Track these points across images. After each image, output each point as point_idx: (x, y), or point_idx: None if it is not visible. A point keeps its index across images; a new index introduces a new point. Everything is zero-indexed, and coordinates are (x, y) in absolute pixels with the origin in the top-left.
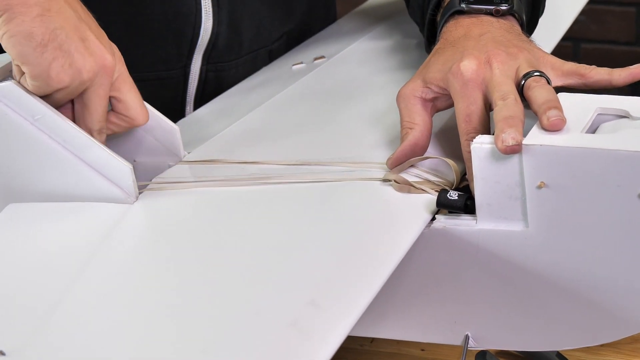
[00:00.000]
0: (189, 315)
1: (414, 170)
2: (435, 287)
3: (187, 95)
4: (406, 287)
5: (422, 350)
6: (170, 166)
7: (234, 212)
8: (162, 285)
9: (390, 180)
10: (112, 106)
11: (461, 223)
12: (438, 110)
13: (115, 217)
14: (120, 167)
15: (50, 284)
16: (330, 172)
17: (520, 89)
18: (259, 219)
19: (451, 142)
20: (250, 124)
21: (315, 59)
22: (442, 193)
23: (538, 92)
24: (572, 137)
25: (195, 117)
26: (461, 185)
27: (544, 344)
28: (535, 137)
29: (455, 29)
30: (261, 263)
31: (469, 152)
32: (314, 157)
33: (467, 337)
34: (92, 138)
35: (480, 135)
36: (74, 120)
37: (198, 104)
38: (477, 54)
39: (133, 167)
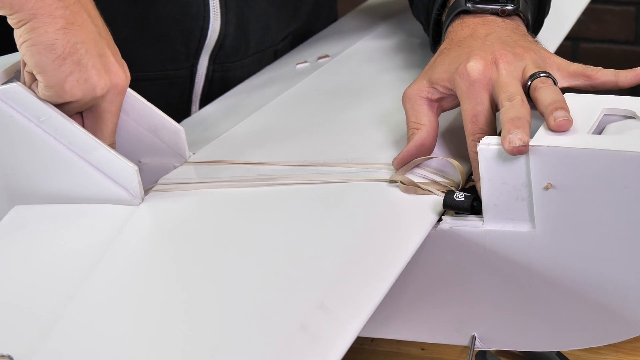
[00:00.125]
0: (197, 318)
1: (420, 172)
2: (442, 288)
3: (193, 95)
4: (413, 288)
5: (422, 349)
6: (175, 167)
7: (239, 214)
8: (169, 287)
9: (396, 181)
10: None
11: (468, 224)
12: (444, 111)
13: (121, 218)
14: (125, 169)
15: (57, 287)
16: (337, 173)
17: (527, 90)
18: (265, 221)
19: (457, 143)
20: (255, 124)
21: (319, 58)
22: (449, 194)
23: (544, 93)
24: (578, 138)
25: (200, 116)
26: (467, 186)
27: (550, 345)
28: (542, 138)
29: (461, 29)
30: (268, 265)
31: (476, 152)
32: (320, 157)
33: (473, 338)
34: (97, 139)
35: (486, 136)
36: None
37: (204, 103)
38: (484, 54)
39: (138, 168)
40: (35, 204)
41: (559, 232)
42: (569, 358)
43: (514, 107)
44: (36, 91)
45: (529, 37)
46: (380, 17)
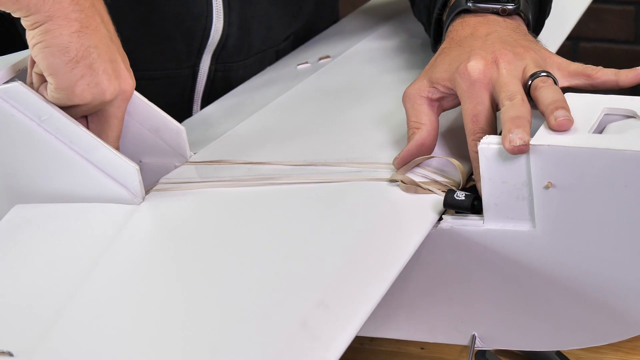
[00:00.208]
0: (197, 317)
1: (420, 171)
2: (442, 287)
3: (195, 94)
4: (413, 287)
5: (422, 348)
6: (176, 167)
7: (240, 213)
8: (169, 286)
9: (397, 181)
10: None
11: (468, 223)
12: (444, 110)
13: (121, 217)
14: (126, 168)
15: (58, 286)
16: (337, 173)
17: (527, 89)
18: (266, 220)
19: (457, 142)
20: (256, 124)
21: (320, 58)
22: (449, 193)
23: (545, 92)
24: (579, 138)
25: (201, 116)
26: (468, 186)
27: (550, 344)
28: (543, 137)
29: (462, 28)
30: (268, 264)
31: (476, 152)
32: (321, 157)
33: (473, 337)
34: (98, 139)
35: (487, 136)
36: None
37: (205, 102)
38: (484, 54)
39: (139, 168)
40: (36, 203)
41: (559, 231)
42: (568, 357)
43: (514, 106)
44: (44, 93)
45: (530, 36)
46: (381, 18)
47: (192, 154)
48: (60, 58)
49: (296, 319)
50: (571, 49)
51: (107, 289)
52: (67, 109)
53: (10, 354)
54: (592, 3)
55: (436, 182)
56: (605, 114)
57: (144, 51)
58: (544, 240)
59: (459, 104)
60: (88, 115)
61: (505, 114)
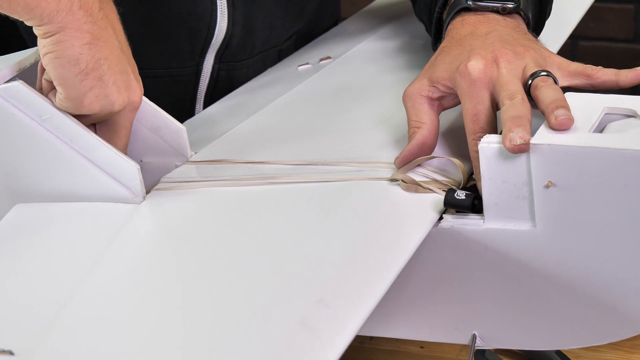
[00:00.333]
0: (197, 315)
1: (421, 170)
2: (443, 287)
3: (198, 93)
4: (413, 286)
5: (422, 347)
6: (177, 166)
7: (240, 212)
8: (169, 285)
9: (397, 180)
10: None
11: (469, 222)
12: (444, 109)
13: (122, 217)
14: (127, 167)
15: (58, 285)
16: (338, 172)
17: (527, 89)
18: (266, 219)
19: (458, 142)
20: (257, 124)
21: (321, 59)
22: (450, 193)
23: (545, 91)
24: (579, 137)
25: (203, 116)
26: (468, 185)
27: (551, 343)
28: (543, 136)
29: (462, 27)
30: (269, 262)
31: (477, 151)
32: (321, 156)
33: (474, 337)
34: (99, 138)
35: (487, 135)
36: None
37: (208, 102)
38: (484, 53)
39: (140, 167)
40: (37, 203)
41: (559, 230)
42: (568, 356)
43: (514, 105)
44: (54, 100)
45: (530, 35)
46: (383, 19)
47: (193, 153)
48: (70, 69)
49: (296, 317)
50: (570, 47)
51: (108, 288)
52: (75, 117)
53: (11, 353)
54: (592, 2)
55: (437, 181)
56: (605, 114)
57: (148, 50)
58: (544, 240)
59: (459, 103)
60: (96, 123)
61: (506, 113)
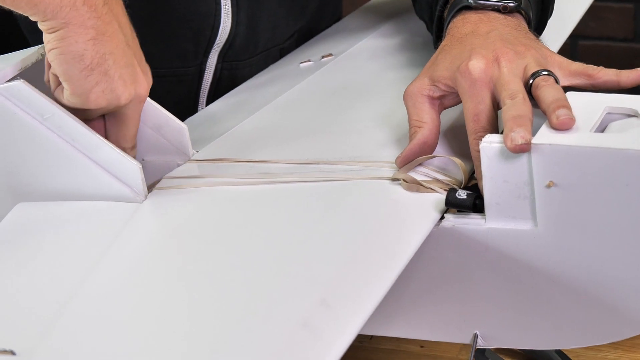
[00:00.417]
0: (199, 315)
1: (422, 169)
2: (444, 286)
3: (201, 93)
4: (415, 285)
5: (422, 346)
6: (179, 165)
7: (242, 211)
8: (171, 284)
9: (399, 180)
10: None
11: (470, 222)
12: (445, 108)
13: (124, 216)
14: (129, 166)
15: (60, 284)
16: (339, 171)
17: (529, 88)
18: (268, 218)
19: (459, 141)
20: (258, 122)
21: (323, 56)
22: (451, 192)
23: (547, 91)
24: (581, 136)
25: (204, 114)
26: (470, 184)
27: (552, 343)
28: (544, 136)
29: (463, 25)
30: (270, 262)
31: (478, 151)
32: (323, 155)
33: (475, 336)
34: (100, 137)
35: (489, 134)
36: (105, 134)
37: (211, 101)
38: (485, 52)
39: (142, 166)
40: (39, 202)
41: (560, 230)
42: (568, 356)
43: (515, 105)
44: (61, 95)
45: (531, 34)
46: (384, 16)
47: (195, 152)
48: (75, 65)
49: (298, 318)
50: (570, 46)
51: (109, 287)
52: (82, 111)
53: (13, 353)
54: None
55: (438, 180)
56: (607, 113)
57: (152, 49)
58: (545, 240)
59: (460, 101)
60: (105, 115)
61: (507, 113)
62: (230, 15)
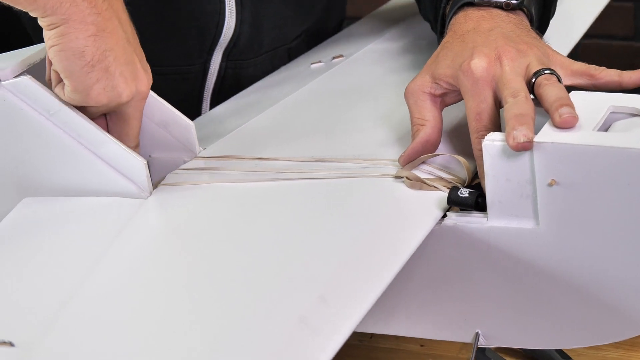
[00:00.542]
0: (199, 311)
1: (425, 168)
2: (446, 284)
3: (205, 91)
4: (416, 283)
5: (422, 345)
6: (185, 162)
7: (247, 208)
8: (173, 281)
9: (402, 177)
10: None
11: (472, 220)
12: (447, 105)
13: (128, 212)
14: (134, 162)
15: (63, 279)
16: (343, 169)
17: (531, 87)
18: (272, 215)
19: (462, 140)
20: (266, 121)
21: (334, 57)
22: (453, 190)
23: (549, 89)
24: (583, 135)
25: (212, 114)
26: (473, 183)
27: (553, 342)
28: (547, 134)
29: (465, 22)
30: (272, 258)
31: (480, 149)
32: (328, 154)
33: (477, 335)
34: (106, 133)
35: (491, 133)
36: (107, 132)
37: (215, 99)
38: (487, 50)
39: (148, 162)
40: (44, 197)
41: (562, 229)
42: (567, 353)
43: (518, 103)
44: (62, 92)
45: (533, 32)
46: (394, 21)
47: (202, 149)
48: (75, 62)
49: (297, 313)
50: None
51: (112, 282)
52: (84, 108)
53: (12, 344)
54: None
55: (441, 178)
56: (611, 112)
57: (156, 47)
58: (547, 238)
59: (461, 99)
60: (107, 114)
61: (509, 112)
62: (234, 14)
